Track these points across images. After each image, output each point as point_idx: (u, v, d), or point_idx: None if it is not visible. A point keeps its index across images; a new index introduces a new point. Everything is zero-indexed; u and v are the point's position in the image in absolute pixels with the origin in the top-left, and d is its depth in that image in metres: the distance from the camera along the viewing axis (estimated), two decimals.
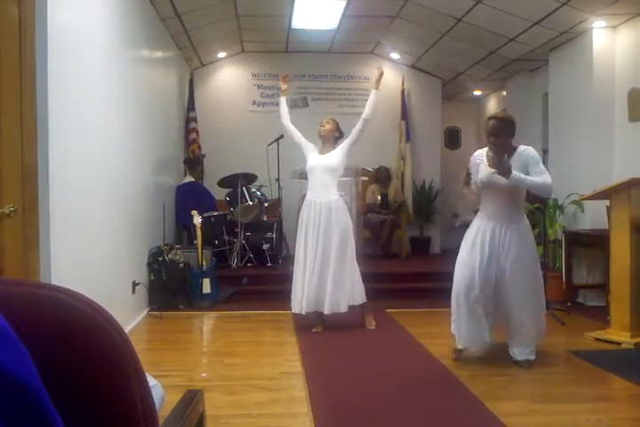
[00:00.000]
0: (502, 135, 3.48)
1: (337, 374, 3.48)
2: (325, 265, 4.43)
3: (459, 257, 3.63)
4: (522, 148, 3.52)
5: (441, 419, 2.86)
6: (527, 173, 3.44)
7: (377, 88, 4.69)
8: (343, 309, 4.48)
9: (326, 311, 4.45)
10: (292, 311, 4.60)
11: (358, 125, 4.59)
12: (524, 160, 3.46)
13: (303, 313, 4.49)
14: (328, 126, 4.64)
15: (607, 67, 5.75)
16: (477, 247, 3.54)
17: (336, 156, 4.55)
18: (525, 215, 3.68)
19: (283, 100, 4.79)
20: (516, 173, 3.36)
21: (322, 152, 4.62)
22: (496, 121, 3.51)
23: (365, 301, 4.58)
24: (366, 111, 4.58)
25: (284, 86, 4.81)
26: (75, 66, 3.37)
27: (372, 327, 4.61)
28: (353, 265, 4.54)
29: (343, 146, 4.59)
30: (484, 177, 3.53)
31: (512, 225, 3.54)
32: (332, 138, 4.64)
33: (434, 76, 8.64)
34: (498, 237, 3.53)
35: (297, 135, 4.75)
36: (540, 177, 3.43)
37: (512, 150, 3.49)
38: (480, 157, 3.62)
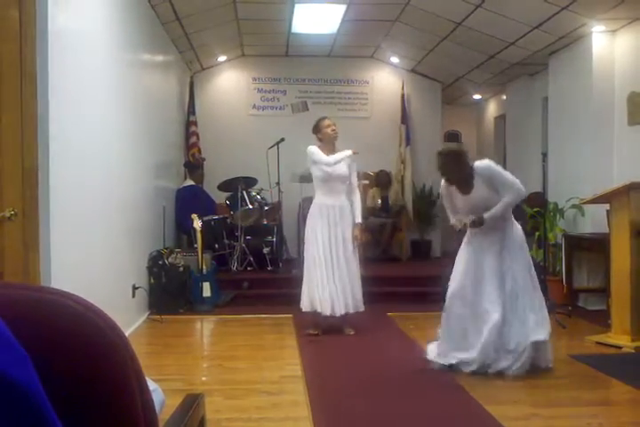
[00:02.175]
0: (451, 172, 3.54)
1: (337, 378, 3.47)
2: (342, 266, 4.47)
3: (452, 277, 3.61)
4: (478, 166, 3.49)
5: (442, 423, 2.86)
6: (495, 186, 3.45)
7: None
8: (362, 308, 4.53)
9: (351, 310, 4.49)
10: (308, 310, 4.52)
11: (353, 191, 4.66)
12: (486, 178, 3.46)
13: (328, 314, 4.46)
14: (334, 135, 4.63)
15: (607, 71, 5.76)
16: (470, 273, 3.53)
17: (345, 165, 4.60)
18: (513, 220, 3.61)
19: None
20: (485, 217, 3.45)
21: (328, 153, 4.62)
22: (441, 157, 3.57)
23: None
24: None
25: None
26: (75, 69, 3.38)
27: (352, 332, 4.57)
28: (358, 267, 4.60)
29: (351, 165, 4.63)
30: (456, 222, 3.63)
31: (498, 235, 3.52)
32: (333, 143, 4.67)
33: (434, 80, 8.65)
34: (488, 258, 3.51)
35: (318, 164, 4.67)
36: (507, 194, 3.43)
37: (470, 178, 3.49)
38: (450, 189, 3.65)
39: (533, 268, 3.60)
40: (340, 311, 4.45)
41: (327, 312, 4.45)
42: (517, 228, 3.62)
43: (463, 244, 3.65)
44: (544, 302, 3.59)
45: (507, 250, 3.52)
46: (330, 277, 4.46)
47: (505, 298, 3.47)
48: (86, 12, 3.69)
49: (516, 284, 3.49)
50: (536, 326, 3.45)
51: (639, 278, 4.15)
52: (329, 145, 4.65)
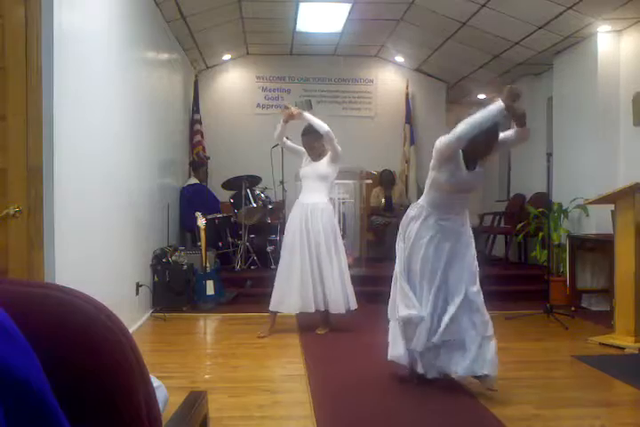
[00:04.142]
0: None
1: (339, 377, 3.47)
2: (315, 265, 4.46)
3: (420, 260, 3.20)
4: None
5: (444, 423, 2.86)
6: None
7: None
8: (344, 309, 4.51)
9: (322, 308, 4.49)
10: (272, 310, 4.55)
11: (331, 140, 4.49)
12: None
13: (299, 311, 4.51)
14: (314, 151, 4.57)
15: (612, 71, 5.75)
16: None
17: (325, 164, 4.57)
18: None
19: (282, 126, 4.64)
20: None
21: (314, 159, 4.63)
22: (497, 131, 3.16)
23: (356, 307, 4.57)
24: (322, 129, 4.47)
25: (294, 112, 4.61)
26: (80, 67, 3.39)
27: (321, 333, 4.58)
28: (343, 268, 4.54)
29: (330, 161, 4.55)
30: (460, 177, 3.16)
31: (463, 228, 3.26)
32: (322, 150, 4.61)
33: (438, 80, 8.64)
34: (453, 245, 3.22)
35: (295, 149, 4.72)
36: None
37: None
38: None
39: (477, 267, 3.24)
40: (295, 310, 4.48)
41: (278, 309, 4.51)
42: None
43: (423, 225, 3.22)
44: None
45: (460, 242, 3.23)
46: (301, 275, 4.45)
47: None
48: (91, 11, 3.70)
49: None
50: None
51: None
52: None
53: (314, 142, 4.56)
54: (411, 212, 3.31)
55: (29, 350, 0.60)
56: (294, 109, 4.60)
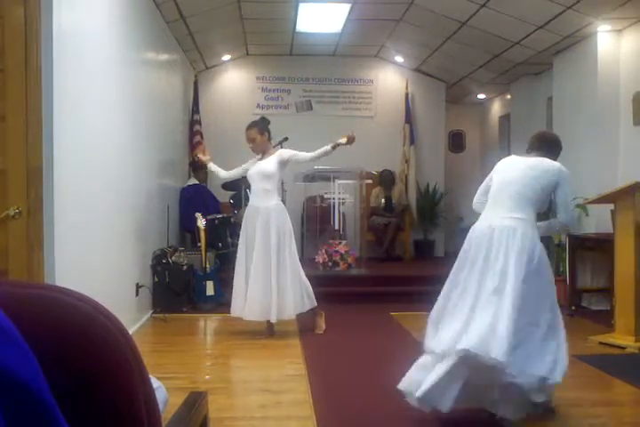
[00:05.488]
0: None
1: (340, 378, 3.47)
2: (267, 271, 4.35)
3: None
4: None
5: (446, 423, 2.85)
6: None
7: (334, 148, 4.51)
8: (288, 315, 4.41)
9: (272, 320, 4.37)
10: (231, 315, 4.50)
11: (309, 156, 4.54)
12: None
13: (245, 319, 4.43)
14: (255, 144, 4.61)
15: (612, 70, 5.75)
16: None
17: (272, 162, 4.54)
18: None
19: (212, 168, 4.91)
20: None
21: (261, 158, 4.64)
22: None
23: (315, 305, 4.52)
24: (314, 155, 4.52)
25: (204, 158, 4.95)
26: (79, 68, 3.39)
27: (321, 331, 4.56)
28: (294, 270, 4.43)
29: (283, 156, 4.54)
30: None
31: None
32: (265, 146, 4.64)
33: (438, 80, 8.64)
34: None
35: (241, 171, 4.81)
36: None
37: None
38: None
39: None
40: (251, 317, 4.39)
41: (248, 317, 4.41)
42: None
43: None
44: None
45: None
46: (249, 281, 4.37)
47: None
48: (91, 11, 3.70)
49: None
50: None
51: None
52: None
53: (256, 135, 4.59)
54: (527, 231, 2.97)
55: (28, 352, 0.60)
56: (351, 134, 4.54)
